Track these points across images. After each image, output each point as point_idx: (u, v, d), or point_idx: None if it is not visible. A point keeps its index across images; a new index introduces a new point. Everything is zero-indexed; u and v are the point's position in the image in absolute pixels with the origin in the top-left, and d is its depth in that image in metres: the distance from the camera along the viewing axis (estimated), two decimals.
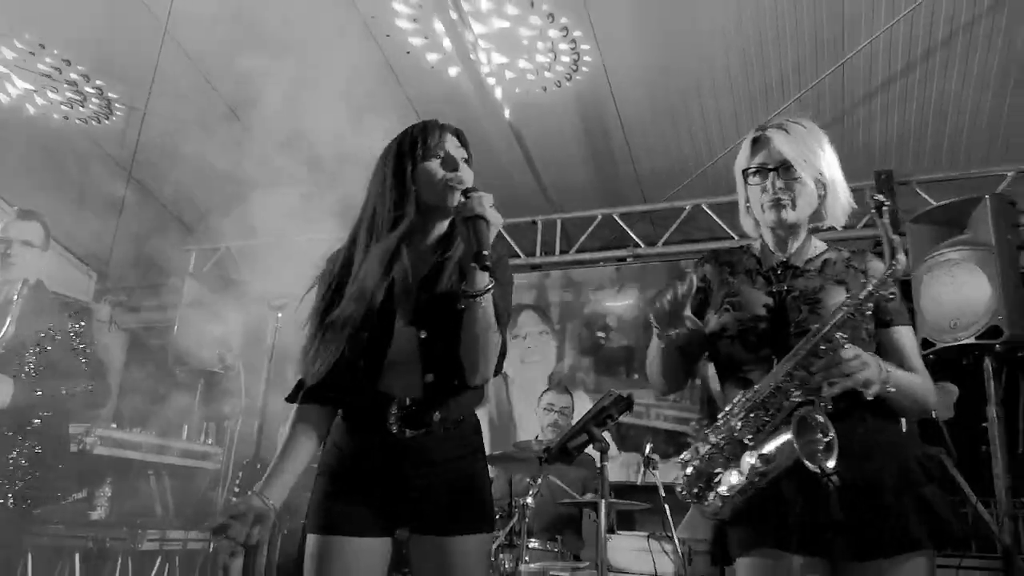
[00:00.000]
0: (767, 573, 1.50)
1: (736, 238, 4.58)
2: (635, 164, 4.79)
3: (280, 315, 3.06)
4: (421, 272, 1.62)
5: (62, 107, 4.93)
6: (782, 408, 1.49)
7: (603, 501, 2.31)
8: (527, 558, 3.08)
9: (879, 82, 4.02)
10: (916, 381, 1.59)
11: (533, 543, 3.25)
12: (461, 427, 1.62)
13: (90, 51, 4.54)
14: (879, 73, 3.99)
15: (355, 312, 1.55)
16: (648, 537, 3.20)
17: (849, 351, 1.46)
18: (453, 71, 4.34)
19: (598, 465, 2.35)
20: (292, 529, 3.54)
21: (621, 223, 4.90)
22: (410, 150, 1.67)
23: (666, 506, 3.19)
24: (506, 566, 3.15)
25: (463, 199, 1.56)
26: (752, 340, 1.61)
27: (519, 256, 5.14)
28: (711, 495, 1.51)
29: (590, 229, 4.93)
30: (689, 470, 1.55)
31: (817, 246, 1.77)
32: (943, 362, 3.58)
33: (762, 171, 1.70)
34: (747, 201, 1.78)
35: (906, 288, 3.68)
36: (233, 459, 3.26)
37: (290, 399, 1.66)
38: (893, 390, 1.48)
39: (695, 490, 1.54)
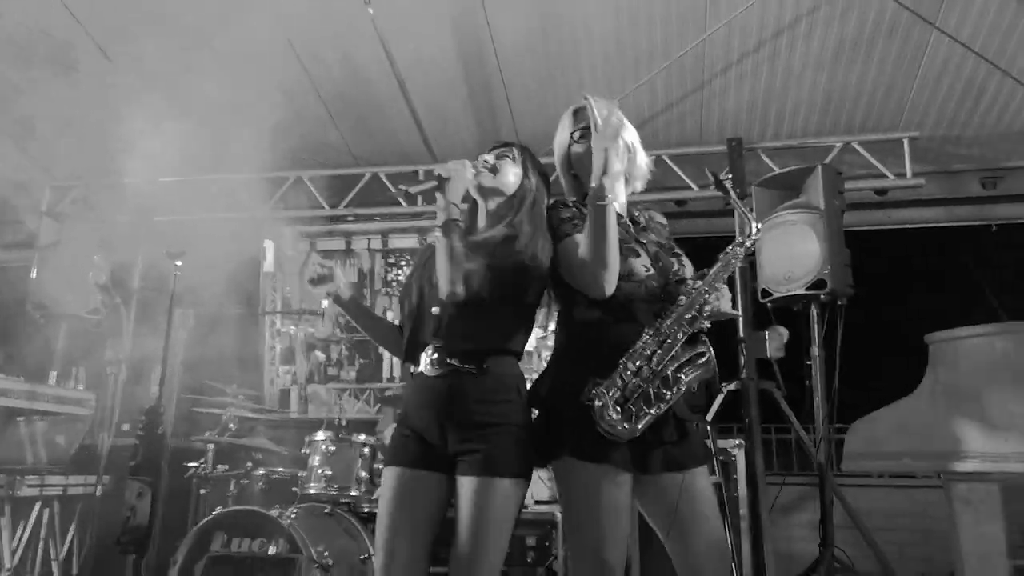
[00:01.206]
0: (588, 473, 1.78)
1: None
2: (516, 123, 5.00)
3: (179, 263, 3.06)
4: None
5: None
6: (679, 337, 1.84)
7: None
8: None
9: (735, 57, 4.43)
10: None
11: None
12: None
13: None
14: (735, 48, 4.39)
15: None
16: None
17: (724, 287, 1.88)
18: (338, 15, 4.32)
19: None
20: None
21: None
22: None
23: None
24: None
25: None
26: (649, 287, 1.92)
27: (401, 204, 5.26)
28: (625, 420, 1.78)
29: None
30: (612, 395, 1.80)
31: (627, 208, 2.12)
32: (778, 309, 4.14)
33: (587, 133, 2.00)
34: (571, 168, 2.10)
35: None
36: (119, 405, 3.26)
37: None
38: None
39: (615, 415, 1.79)
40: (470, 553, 1.77)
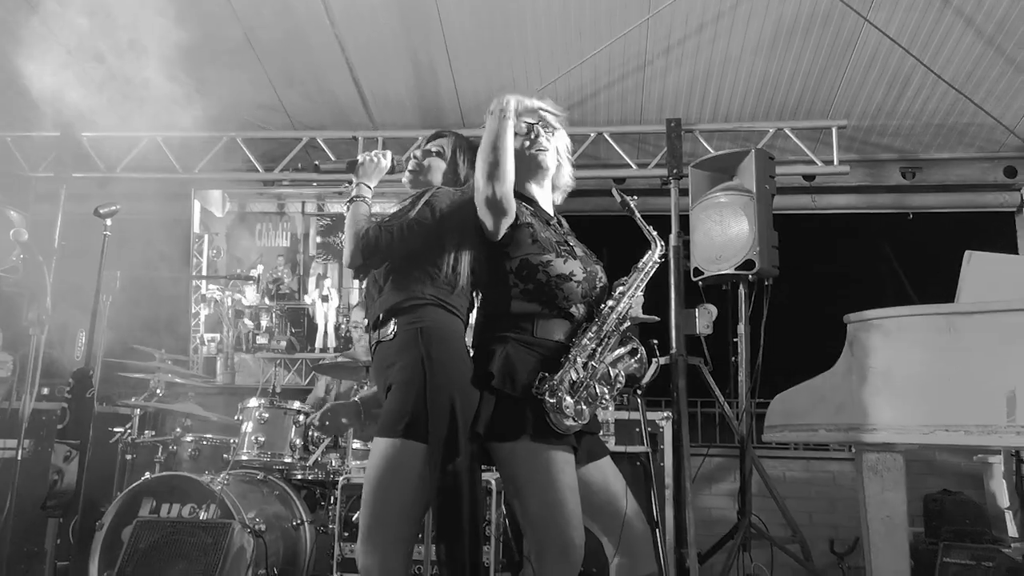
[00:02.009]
0: (550, 456, 1.85)
1: None
2: (458, 92, 4.97)
3: (109, 222, 2.96)
4: None
5: None
6: (615, 335, 1.96)
7: None
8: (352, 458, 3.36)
9: (677, 38, 4.50)
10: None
11: (356, 444, 3.52)
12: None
13: None
14: (678, 29, 4.46)
15: None
16: None
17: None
18: None
19: None
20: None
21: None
22: None
23: None
24: (332, 464, 3.41)
25: None
26: (586, 287, 2.01)
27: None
28: (574, 412, 1.86)
29: (411, 151, 5.07)
30: (564, 385, 1.87)
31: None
32: (708, 287, 4.28)
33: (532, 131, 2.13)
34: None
35: (685, 223, 4.31)
36: (40, 365, 3.15)
37: None
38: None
39: (567, 402, 1.86)
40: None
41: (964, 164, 5.15)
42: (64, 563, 2.98)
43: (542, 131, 2.11)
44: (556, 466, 1.84)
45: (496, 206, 1.93)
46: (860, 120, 4.88)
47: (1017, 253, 5.17)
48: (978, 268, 1.98)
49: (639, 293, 2.06)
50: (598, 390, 1.91)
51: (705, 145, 4.85)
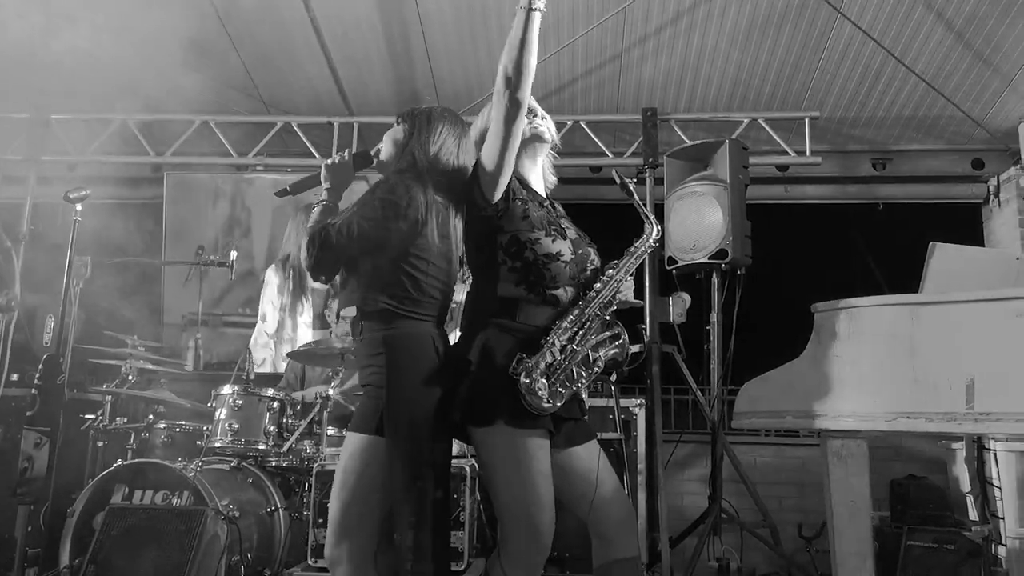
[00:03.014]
0: (523, 441, 1.90)
1: None
2: (434, 75, 4.94)
3: (79, 207, 2.92)
4: None
5: None
6: (597, 320, 1.98)
7: None
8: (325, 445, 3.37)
9: (654, 27, 4.52)
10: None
11: (330, 430, 3.52)
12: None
13: None
14: (655, 18, 4.48)
15: None
16: None
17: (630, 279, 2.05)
18: None
19: None
20: None
21: None
22: None
23: None
24: (307, 451, 3.41)
25: None
26: (574, 268, 2.03)
27: (314, 156, 5.14)
28: (549, 391, 1.89)
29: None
30: (539, 367, 1.90)
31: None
32: (682, 276, 4.32)
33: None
34: None
35: (660, 211, 4.34)
36: (9, 350, 3.11)
37: None
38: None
39: (541, 384, 1.89)
40: None
41: (933, 156, 5.23)
42: (35, 550, 2.95)
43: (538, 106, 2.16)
44: (528, 451, 1.87)
45: (514, 109, 1.91)
46: (832, 111, 4.94)
47: (983, 244, 5.28)
48: (941, 259, 2.03)
49: (629, 278, 2.08)
50: (575, 372, 1.93)
51: (680, 134, 4.88)
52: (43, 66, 4.31)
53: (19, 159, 5.08)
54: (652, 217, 2.12)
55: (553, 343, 1.93)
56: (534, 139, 2.14)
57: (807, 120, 4.83)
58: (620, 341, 2.01)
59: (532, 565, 1.90)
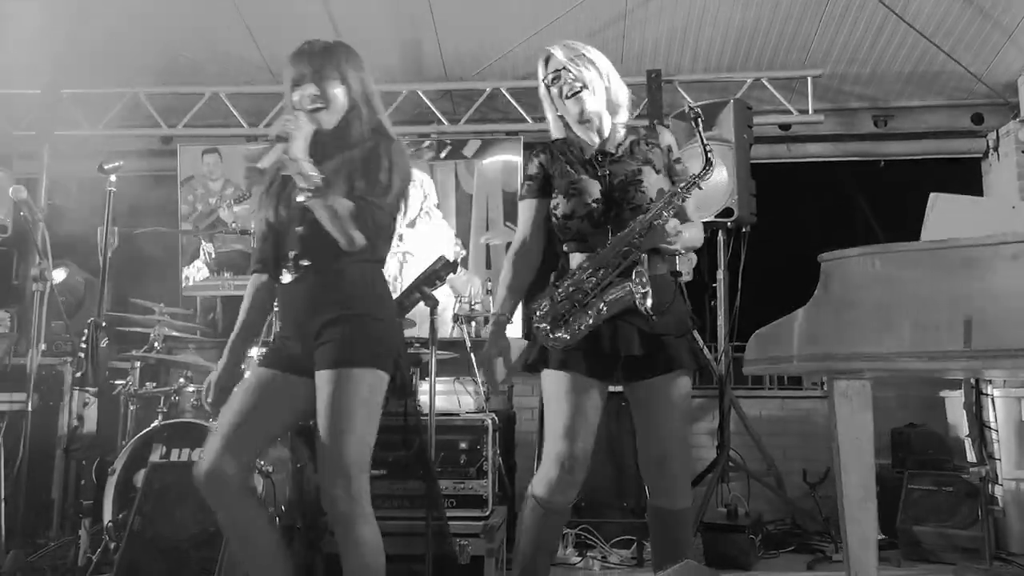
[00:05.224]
0: (564, 383, 2.09)
1: (530, 121, 5.05)
2: (440, 44, 4.99)
3: (113, 178, 3.02)
4: None
5: None
6: (620, 266, 2.02)
7: (433, 348, 2.76)
8: None
9: None
10: (695, 232, 2.26)
11: None
12: None
13: None
14: None
15: None
16: (455, 380, 3.77)
17: (672, 225, 2.05)
18: None
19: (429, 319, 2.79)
20: None
21: (426, 100, 5.15)
22: None
23: (471, 355, 3.76)
24: None
25: None
26: (595, 218, 2.12)
27: None
28: (563, 332, 2.05)
29: (396, 103, 5.12)
30: (545, 311, 2.08)
31: (621, 132, 2.28)
32: None
33: (556, 76, 2.20)
34: (557, 111, 2.27)
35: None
36: (44, 322, 3.24)
37: None
38: (690, 246, 2.19)
39: (547, 326, 2.07)
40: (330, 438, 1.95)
41: (933, 112, 5.30)
42: (88, 502, 3.11)
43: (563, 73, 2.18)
44: (561, 388, 2.08)
45: None
46: (834, 68, 4.99)
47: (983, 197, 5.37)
48: (941, 209, 2.13)
49: (658, 221, 2.06)
50: (580, 313, 2.06)
51: (684, 95, 4.94)
52: (55, 40, 4.38)
53: (32, 134, 5.15)
54: (711, 154, 2.11)
55: (557, 286, 2.11)
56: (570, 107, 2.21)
57: (809, 78, 4.88)
58: (626, 290, 2.03)
59: (549, 483, 2.10)
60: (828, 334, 1.96)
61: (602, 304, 2.04)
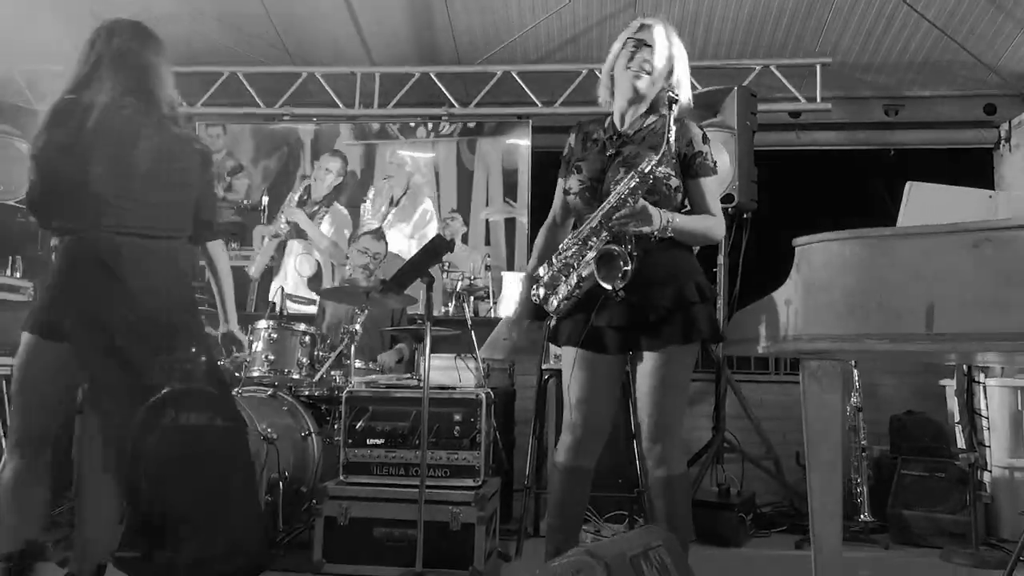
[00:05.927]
0: (573, 358, 2.27)
1: (539, 105, 5.12)
2: (452, 25, 5.06)
3: None
4: None
5: None
6: (597, 244, 2.12)
7: (428, 325, 2.87)
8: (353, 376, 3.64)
9: None
10: (698, 223, 2.21)
11: (358, 363, 3.79)
12: None
13: None
14: None
15: None
16: (455, 357, 3.88)
17: (638, 206, 2.05)
18: None
19: (424, 296, 2.89)
20: None
21: (438, 83, 5.23)
22: None
23: (472, 332, 3.87)
24: (336, 381, 3.69)
25: None
26: (587, 196, 2.23)
27: (338, 106, 5.32)
28: (553, 299, 2.21)
29: (408, 85, 5.21)
30: (545, 281, 2.25)
31: (653, 119, 2.29)
32: None
33: (640, 45, 2.23)
34: (612, 69, 2.30)
35: None
36: None
37: None
38: (672, 234, 2.12)
39: (543, 294, 2.24)
40: None
41: (945, 102, 5.29)
42: None
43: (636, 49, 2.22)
44: (572, 362, 2.27)
45: None
46: (845, 56, 4.99)
47: (994, 188, 5.36)
48: (917, 197, 2.19)
49: (632, 199, 2.06)
50: (562, 284, 2.19)
51: (693, 81, 4.94)
52: (80, 20, 4.50)
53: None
54: (671, 141, 2.06)
55: (552, 260, 2.24)
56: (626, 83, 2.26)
57: (818, 66, 4.89)
58: (592, 267, 2.08)
59: (566, 449, 2.30)
60: (798, 317, 2.03)
61: (576, 278, 2.16)
